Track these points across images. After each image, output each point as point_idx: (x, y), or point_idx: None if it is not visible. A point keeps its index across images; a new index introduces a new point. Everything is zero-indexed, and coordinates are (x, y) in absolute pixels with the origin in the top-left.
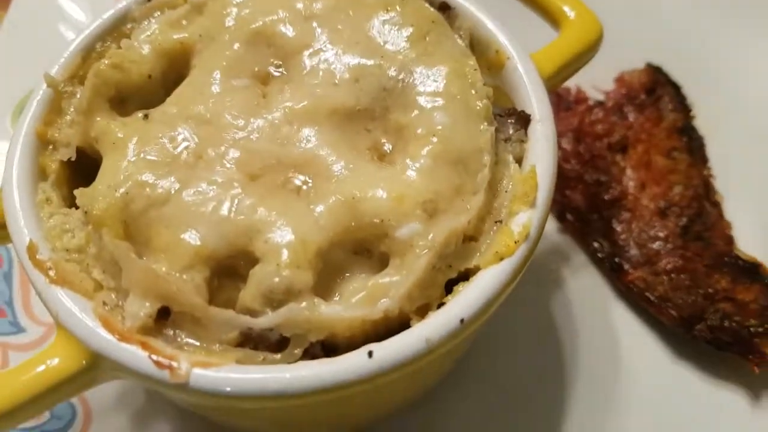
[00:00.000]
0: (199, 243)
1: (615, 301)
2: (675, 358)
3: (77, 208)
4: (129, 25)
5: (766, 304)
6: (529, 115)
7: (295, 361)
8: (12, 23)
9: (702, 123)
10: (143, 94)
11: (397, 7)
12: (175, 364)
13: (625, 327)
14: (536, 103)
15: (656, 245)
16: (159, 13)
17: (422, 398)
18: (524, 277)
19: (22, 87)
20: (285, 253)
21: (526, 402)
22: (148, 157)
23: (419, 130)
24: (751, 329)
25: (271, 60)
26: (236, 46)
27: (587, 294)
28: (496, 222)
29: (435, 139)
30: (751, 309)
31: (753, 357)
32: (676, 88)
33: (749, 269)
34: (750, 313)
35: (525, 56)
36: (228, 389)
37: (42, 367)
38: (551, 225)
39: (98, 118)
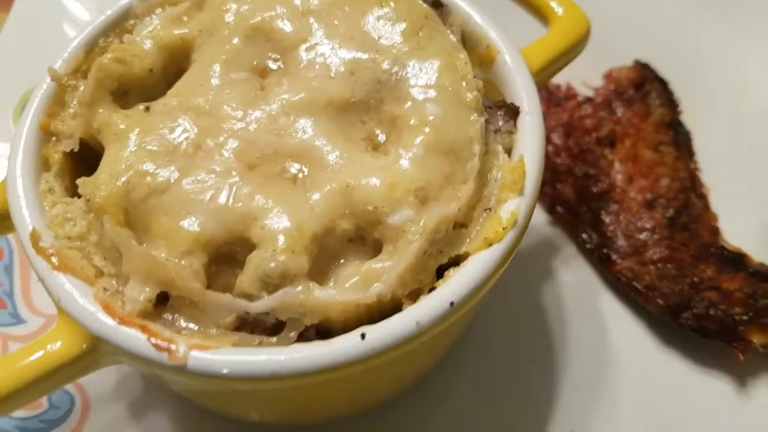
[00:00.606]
0: (197, 229)
1: (604, 291)
2: (662, 346)
3: (79, 197)
4: (131, 21)
5: (751, 293)
6: (518, 108)
7: (290, 345)
8: (15, 23)
9: (689, 118)
10: (145, 87)
11: (392, 3)
12: (173, 346)
13: (613, 316)
14: (525, 96)
15: (643, 236)
16: (160, 9)
17: (414, 385)
18: (514, 265)
19: (25, 86)
20: (281, 239)
21: (516, 389)
22: (149, 147)
23: (412, 121)
24: (736, 317)
25: (270, 54)
26: (235, 40)
27: (577, 284)
28: (485, 209)
29: (427, 130)
30: (735, 298)
31: (738, 344)
32: (663, 84)
33: (734, 259)
34: (735, 302)
35: (514, 51)
36: (225, 371)
37: (45, 351)
38: (542, 217)
39: (101, 110)
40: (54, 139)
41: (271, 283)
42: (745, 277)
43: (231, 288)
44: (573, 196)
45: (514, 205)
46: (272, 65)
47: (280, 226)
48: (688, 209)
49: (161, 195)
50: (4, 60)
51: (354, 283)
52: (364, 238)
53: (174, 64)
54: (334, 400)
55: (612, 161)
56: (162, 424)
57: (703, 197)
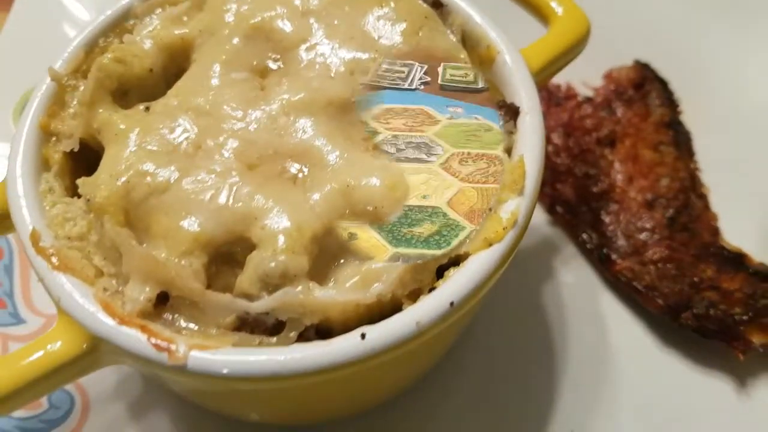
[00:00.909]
0: (197, 229)
1: (604, 291)
2: (662, 346)
3: (79, 197)
4: (131, 21)
5: (750, 293)
6: (518, 108)
7: (290, 345)
8: (15, 23)
9: (689, 118)
10: (145, 87)
11: (392, 3)
12: (173, 346)
13: (613, 316)
14: (525, 96)
15: (643, 236)
16: (160, 9)
17: (414, 385)
18: (514, 265)
19: (25, 86)
20: (281, 239)
21: (516, 389)
22: (149, 148)
23: None
24: (736, 317)
25: (270, 54)
26: (235, 40)
27: (577, 284)
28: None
29: None
30: (735, 298)
31: (738, 344)
32: (663, 84)
33: (734, 259)
34: (735, 302)
35: (514, 51)
36: (225, 371)
37: (44, 351)
38: (542, 217)
39: (101, 110)
40: (54, 139)
41: (271, 283)
42: (745, 277)
43: (231, 288)
44: (573, 196)
45: (514, 205)
46: (272, 65)
47: (280, 226)
48: (687, 209)
49: (161, 195)
50: (4, 60)
51: (354, 283)
52: None
53: (174, 64)
54: (334, 400)
55: (612, 161)
56: (162, 424)
57: (702, 197)
